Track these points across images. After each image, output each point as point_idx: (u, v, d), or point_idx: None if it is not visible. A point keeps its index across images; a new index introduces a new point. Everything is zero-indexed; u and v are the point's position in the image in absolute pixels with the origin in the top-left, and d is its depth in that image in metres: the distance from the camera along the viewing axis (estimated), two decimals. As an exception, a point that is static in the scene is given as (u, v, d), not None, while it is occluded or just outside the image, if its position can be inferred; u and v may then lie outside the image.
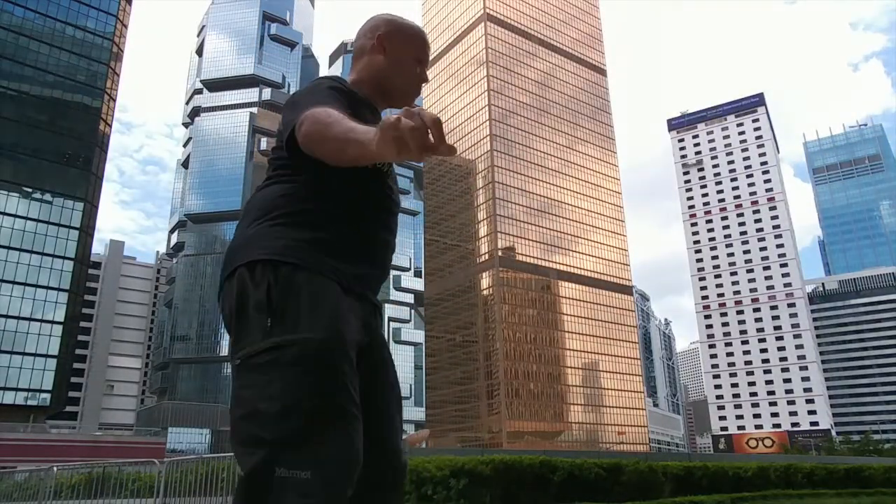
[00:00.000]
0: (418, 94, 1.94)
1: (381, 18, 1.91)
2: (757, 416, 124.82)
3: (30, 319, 51.64)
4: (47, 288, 52.72)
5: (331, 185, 1.57)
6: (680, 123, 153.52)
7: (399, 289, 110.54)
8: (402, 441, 1.62)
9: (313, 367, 1.32)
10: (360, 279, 1.58)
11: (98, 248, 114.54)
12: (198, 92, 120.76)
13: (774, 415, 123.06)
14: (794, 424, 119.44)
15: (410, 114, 1.15)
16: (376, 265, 1.65)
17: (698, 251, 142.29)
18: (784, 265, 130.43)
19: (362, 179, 1.61)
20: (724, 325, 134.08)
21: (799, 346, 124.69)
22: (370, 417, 1.47)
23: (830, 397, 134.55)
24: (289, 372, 1.31)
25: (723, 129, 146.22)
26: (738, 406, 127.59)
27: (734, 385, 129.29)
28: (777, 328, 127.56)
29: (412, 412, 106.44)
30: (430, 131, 1.13)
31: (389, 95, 1.83)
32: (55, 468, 11.57)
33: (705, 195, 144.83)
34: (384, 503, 1.52)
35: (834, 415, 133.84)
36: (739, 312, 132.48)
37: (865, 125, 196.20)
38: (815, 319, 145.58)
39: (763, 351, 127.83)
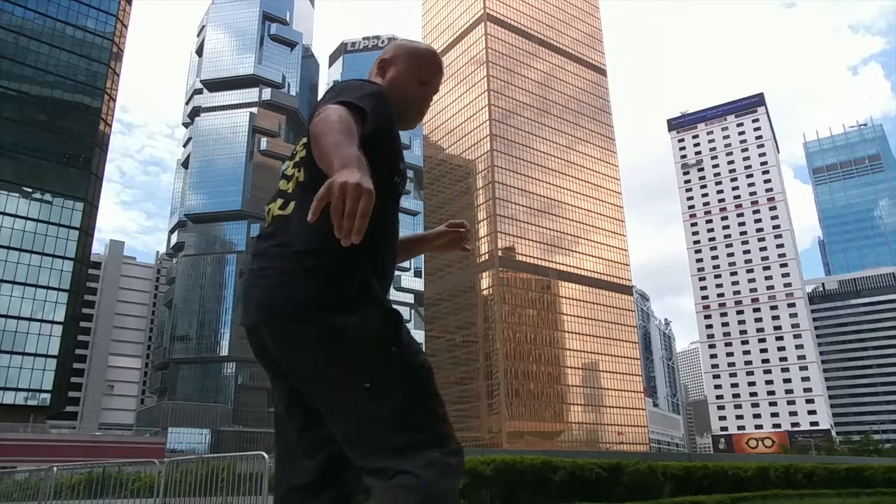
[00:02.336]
0: (421, 117, 1.94)
1: (391, 44, 1.93)
2: (757, 416, 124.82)
3: (30, 319, 51.63)
4: (47, 288, 52.73)
5: (386, 216, 1.70)
6: (680, 123, 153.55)
7: (399, 289, 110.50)
8: None
9: (431, 375, 1.59)
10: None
11: (98, 248, 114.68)
12: (198, 92, 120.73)
13: (774, 415, 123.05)
14: (794, 424, 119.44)
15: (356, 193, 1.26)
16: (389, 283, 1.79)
17: (698, 251, 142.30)
18: (784, 265, 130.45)
19: (392, 194, 1.73)
20: (724, 325, 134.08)
21: (799, 346, 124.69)
22: None
23: (830, 397, 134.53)
24: (433, 377, 1.60)
25: (723, 129, 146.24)
26: (738, 406, 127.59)
27: (734, 385, 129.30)
28: (777, 328, 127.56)
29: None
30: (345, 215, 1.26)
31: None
32: (55, 468, 11.57)
33: (705, 195, 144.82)
34: None
35: (834, 415, 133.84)
36: (739, 312, 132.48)
37: (865, 125, 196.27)
38: (815, 319, 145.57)
39: (763, 351, 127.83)
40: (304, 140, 1.69)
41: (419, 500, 1.37)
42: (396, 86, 1.84)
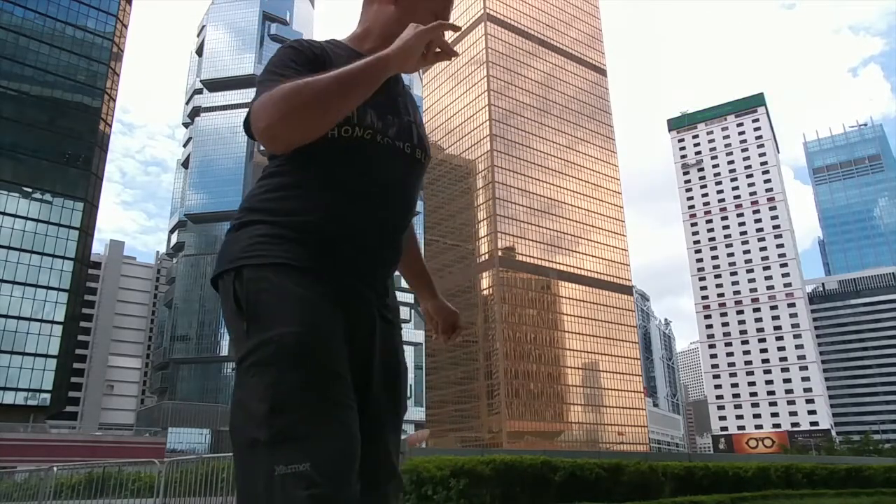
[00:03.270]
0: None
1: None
2: (757, 416, 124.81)
3: (30, 319, 51.64)
4: (47, 288, 52.74)
5: (300, 166, 1.45)
6: (680, 123, 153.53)
7: (399, 289, 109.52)
8: (402, 441, 1.55)
9: (293, 361, 1.26)
10: (343, 266, 1.43)
11: (98, 248, 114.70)
12: (198, 92, 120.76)
13: (774, 415, 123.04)
14: (794, 424, 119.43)
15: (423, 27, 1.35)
16: (373, 249, 1.49)
17: (698, 251, 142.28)
18: (784, 265, 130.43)
19: (355, 155, 1.45)
20: (724, 325, 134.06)
21: (799, 346, 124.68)
22: (363, 414, 1.39)
23: (830, 397, 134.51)
24: (271, 370, 1.26)
25: (723, 129, 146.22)
26: (738, 406, 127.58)
27: (734, 385, 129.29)
28: (777, 328, 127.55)
29: (412, 412, 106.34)
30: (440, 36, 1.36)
31: None
32: (55, 468, 11.57)
33: (705, 195, 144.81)
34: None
35: (834, 415, 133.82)
36: (739, 312, 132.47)
37: (865, 125, 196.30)
38: (815, 319, 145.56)
39: (763, 351, 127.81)
40: None
41: None
42: (411, 16, 1.56)
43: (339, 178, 1.43)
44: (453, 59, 1.39)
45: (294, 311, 1.30)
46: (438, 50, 1.39)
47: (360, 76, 1.30)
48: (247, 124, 1.38)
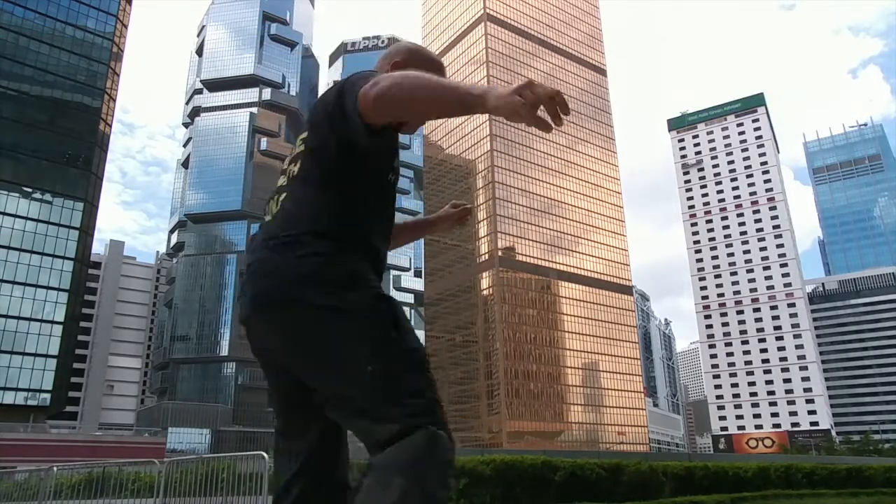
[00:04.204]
0: (421, 125, 1.91)
1: (401, 46, 1.91)
2: (757, 416, 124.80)
3: (30, 319, 51.66)
4: (47, 288, 52.76)
5: (367, 196, 1.72)
6: (680, 123, 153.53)
7: (399, 289, 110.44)
8: None
9: (428, 367, 1.60)
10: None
11: (98, 248, 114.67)
12: (198, 92, 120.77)
13: (774, 415, 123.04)
14: (794, 424, 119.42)
15: (534, 85, 1.39)
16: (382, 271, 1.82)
17: (698, 251, 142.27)
18: (784, 265, 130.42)
19: (386, 188, 1.77)
20: (724, 325, 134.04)
21: (799, 346, 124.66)
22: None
23: (830, 397, 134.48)
24: (426, 368, 1.57)
25: (723, 129, 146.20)
26: (738, 406, 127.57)
27: (734, 385, 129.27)
28: (777, 328, 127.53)
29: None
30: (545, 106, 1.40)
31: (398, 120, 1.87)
32: (55, 468, 11.56)
33: (705, 195, 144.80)
34: None
35: (834, 415, 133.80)
36: (739, 312, 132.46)
37: (865, 125, 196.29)
38: (815, 319, 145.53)
39: (763, 351, 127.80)
40: (303, 136, 1.75)
41: (425, 450, 1.40)
42: None
43: (383, 220, 1.80)
44: (546, 130, 1.49)
45: (413, 331, 1.64)
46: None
47: (464, 99, 1.46)
48: (346, 91, 1.60)
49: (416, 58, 1.88)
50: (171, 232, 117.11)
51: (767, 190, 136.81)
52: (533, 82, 1.39)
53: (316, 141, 1.70)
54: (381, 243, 1.78)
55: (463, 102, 1.45)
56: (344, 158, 1.65)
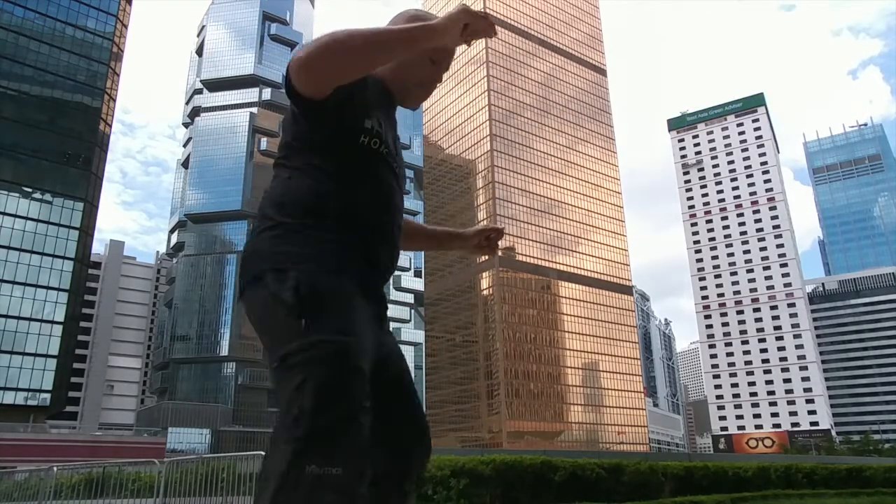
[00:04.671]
0: (427, 96, 1.85)
1: (405, 13, 1.83)
2: (757, 416, 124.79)
3: (30, 319, 51.64)
4: (47, 288, 52.74)
5: (340, 170, 1.60)
6: (680, 123, 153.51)
7: (399, 289, 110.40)
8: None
9: (344, 366, 1.35)
10: (375, 273, 1.63)
11: (98, 248, 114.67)
12: (198, 92, 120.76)
13: (774, 415, 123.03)
14: (794, 424, 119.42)
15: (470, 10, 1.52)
16: (388, 255, 1.67)
17: (698, 251, 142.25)
18: (784, 265, 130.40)
19: (370, 162, 1.64)
20: (724, 325, 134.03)
21: (799, 346, 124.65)
22: (396, 399, 1.62)
23: (830, 397, 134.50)
24: (322, 370, 1.34)
25: (723, 129, 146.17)
26: (738, 406, 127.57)
27: (734, 385, 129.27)
28: (777, 328, 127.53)
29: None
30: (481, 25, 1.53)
31: (397, 92, 1.78)
32: (55, 468, 11.56)
33: (705, 195, 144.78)
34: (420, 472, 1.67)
35: (834, 415, 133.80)
36: (739, 312, 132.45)
37: (865, 125, 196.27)
38: (815, 319, 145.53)
39: (763, 351, 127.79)
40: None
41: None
42: (408, 62, 1.74)
43: (366, 187, 1.62)
44: (492, 35, 1.56)
45: (351, 320, 1.44)
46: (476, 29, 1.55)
47: (405, 33, 1.46)
48: (287, 76, 1.53)
49: (418, 20, 1.79)
50: (171, 232, 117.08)
51: (767, 190, 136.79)
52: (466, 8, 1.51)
53: (283, 121, 1.71)
54: (371, 214, 1.63)
55: (416, 42, 1.47)
56: (300, 132, 1.61)
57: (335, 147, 1.59)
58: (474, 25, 1.52)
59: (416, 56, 1.72)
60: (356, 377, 1.36)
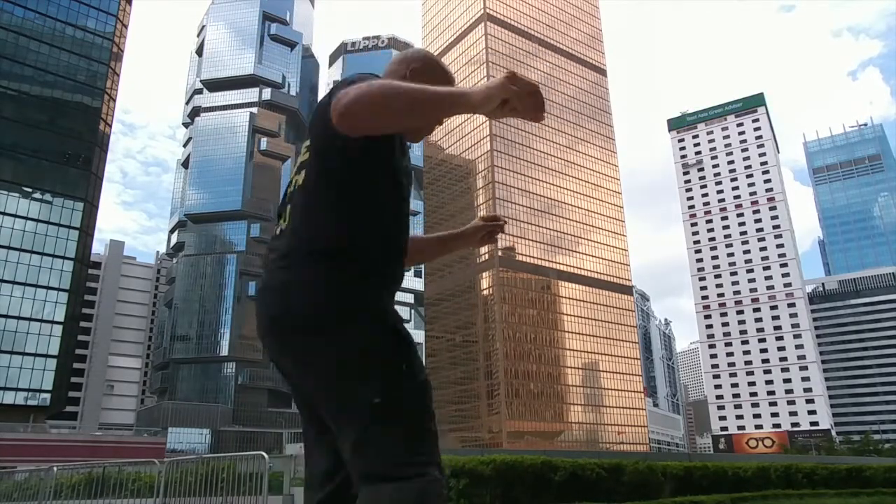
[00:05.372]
0: (430, 133, 1.85)
1: (419, 53, 1.88)
2: (757, 416, 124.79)
3: (30, 319, 51.65)
4: (47, 288, 52.75)
5: (378, 204, 1.65)
6: (680, 123, 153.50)
7: (399, 289, 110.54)
8: None
9: (429, 400, 1.57)
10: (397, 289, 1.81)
11: (99, 248, 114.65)
12: (198, 92, 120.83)
13: (774, 415, 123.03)
14: (794, 424, 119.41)
15: (517, 79, 1.43)
16: (402, 272, 1.81)
17: (698, 251, 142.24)
18: (784, 265, 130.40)
19: (399, 192, 1.70)
20: (724, 325, 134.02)
21: (799, 346, 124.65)
22: None
23: (830, 397, 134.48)
24: (428, 412, 1.54)
25: (723, 129, 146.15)
26: (738, 406, 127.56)
27: (734, 385, 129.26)
28: (777, 328, 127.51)
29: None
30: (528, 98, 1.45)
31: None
32: (55, 468, 11.57)
33: (705, 195, 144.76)
34: None
35: (834, 415, 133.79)
36: (739, 312, 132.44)
37: (865, 125, 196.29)
38: (815, 319, 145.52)
39: (763, 351, 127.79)
40: (307, 143, 1.69)
41: (415, 497, 1.39)
42: None
43: (395, 214, 1.70)
44: (538, 120, 1.50)
45: (420, 361, 1.61)
46: (514, 108, 1.47)
47: (445, 100, 1.45)
48: (324, 104, 1.56)
49: (431, 66, 1.84)
50: (171, 232, 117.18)
51: (767, 190, 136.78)
52: (516, 75, 1.43)
53: (316, 148, 1.64)
54: (396, 256, 1.72)
55: (452, 108, 1.45)
56: (345, 165, 1.59)
57: (381, 185, 1.63)
58: (515, 103, 1.44)
59: None
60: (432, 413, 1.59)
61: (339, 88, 1.50)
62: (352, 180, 1.59)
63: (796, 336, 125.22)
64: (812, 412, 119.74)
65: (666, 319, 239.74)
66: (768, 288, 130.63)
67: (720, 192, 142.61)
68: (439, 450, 1.51)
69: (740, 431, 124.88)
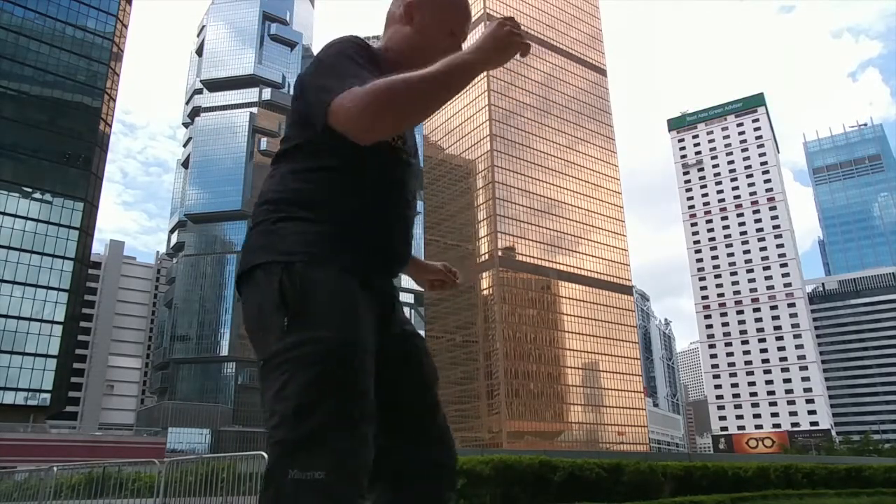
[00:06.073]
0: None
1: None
2: (757, 416, 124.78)
3: (30, 319, 51.62)
4: (47, 288, 52.72)
5: (349, 168, 1.48)
6: (680, 123, 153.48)
7: (399, 289, 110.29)
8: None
9: (332, 366, 1.27)
10: (382, 268, 1.54)
11: (99, 248, 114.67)
12: (198, 92, 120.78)
13: (774, 415, 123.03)
14: (794, 424, 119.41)
15: (502, 24, 1.40)
16: (397, 251, 1.56)
17: (698, 251, 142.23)
18: (784, 265, 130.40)
19: (380, 158, 1.52)
20: (724, 325, 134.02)
21: (799, 346, 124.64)
22: (404, 412, 1.52)
23: (830, 397, 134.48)
24: (306, 371, 1.26)
25: (723, 129, 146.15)
26: (738, 406, 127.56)
27: (734, 385, 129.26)
28: (777, 328, 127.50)
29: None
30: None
31: (414, 68, 1.58)
32: (55, 468, 11.57)
33: (705, 195, 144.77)
34: (431, 495, 1.51)
35: (834, 415, 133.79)
36: (739, 312, 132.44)
37: (865, 125, 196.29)
38: (815, 319, 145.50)
39: (763, 351, 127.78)
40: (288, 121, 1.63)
41: None
42: (425, 36, 1.63)
43: (384, 186, 1.52)
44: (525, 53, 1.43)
45: (342, 317, 1.33)
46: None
47: (457, 75, 1.36)
48: (318, 112, 1.42)
49: None
50: (171, 232, 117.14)
51: (767, 190, 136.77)
52: (502, 22, 1.39)
53: (289, 121, 1.61)
54: (380, 211, 1.52)
55: (468, 78, 1.38)
56: (313, 134, 1.49)
57: (351, 145, 1.43)
58: (504, 43, 1.38)
59: (434, 29, 1.64)
60: (347, 376, 1.28)
61: (314, 89, 1.47)
62: (315, 141, 1.53)
63: (796, 336, 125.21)
64: (812, 412, 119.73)
65: (666, 319, 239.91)
66: (768, 288, 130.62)
67: (720, 192, 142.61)
68: (336, 443, 1.24)
69: (740, 431, 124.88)
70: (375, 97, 1.31)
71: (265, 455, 8.51)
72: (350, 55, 1.49)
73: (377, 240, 1.50)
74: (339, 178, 1.48)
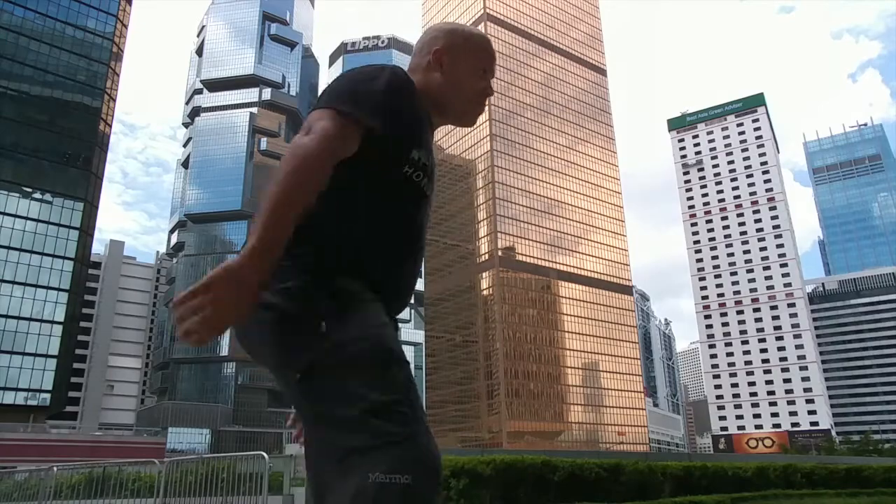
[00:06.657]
0: (482, 111, 1.69)
1: (439, 29, 1.67)
2: (757, 416, 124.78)
3: (30, 319, 51.64)
4: (47, 288, 52.73)
5: (373, 205, 1.41)
6: (680, 123, 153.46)
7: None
8: None
9: (388, 358, 1.20)
10: (396, 296, 1.48)
11: (99, 248, 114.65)
12: (198, 92, 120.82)
13: (774, 415, 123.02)
14: (794, 424, 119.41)
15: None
16: (406, 282, 1.50)
17: (698, 251, 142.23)
18: (784, 265, 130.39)
19: (405, 195, 1.47)
20: (724, 325, 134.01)
21: (799, 346, 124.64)
22: None
23: (830, 397, 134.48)
24: (363, 369, 1.17)
25: (723, 129, 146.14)
26: (738, 406, 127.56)
27: (734, 385, 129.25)
28: (777, 328, 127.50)
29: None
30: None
31: (446, 114, 1.63)
32: (55, 468, 11.57)
33: (705, 195, 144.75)
34: None
35: (834, 415, 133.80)
36: (739, 312, 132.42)
37: (865, 125, 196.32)
38: (815, 319, 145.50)
39: (763, 351, 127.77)
40: None
41: None
42: (460, 80, 1.60)
43: (406, 221, 1.46)
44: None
45: (376, 318, 1.29)
46: None
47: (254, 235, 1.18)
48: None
49: (456, 41, 1.63)
50: (172, 232, 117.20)
51: (767, 190, 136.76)
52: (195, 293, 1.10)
53: None
54: (399, 257, 1.46)
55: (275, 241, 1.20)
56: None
57: (372, 178, 1.40)
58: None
59: (468, 73, 1.61)
60: (405, 371, 1.22)
61: (331, 90, 1.43)
62: (338, 174, 1.44)
63: (796, 336, 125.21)
64: (812, 412, 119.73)
65: (666, 319, 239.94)
66: (768, 288, 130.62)
67: (720, 192, 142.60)
68: (407, 430, 1.15)
69: (740, 431, 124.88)
70: (296, 151, 1.27)
71: (265, 455, 8.53)
72: (383, 88, 1.44)
73: (390, 276, 1.45)
74: (364, 210, 1.42)
